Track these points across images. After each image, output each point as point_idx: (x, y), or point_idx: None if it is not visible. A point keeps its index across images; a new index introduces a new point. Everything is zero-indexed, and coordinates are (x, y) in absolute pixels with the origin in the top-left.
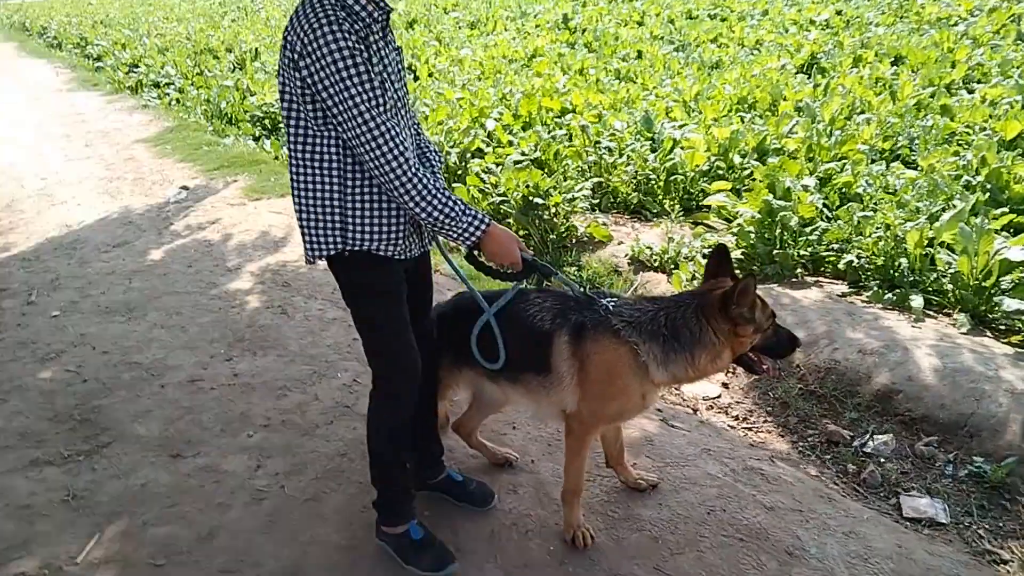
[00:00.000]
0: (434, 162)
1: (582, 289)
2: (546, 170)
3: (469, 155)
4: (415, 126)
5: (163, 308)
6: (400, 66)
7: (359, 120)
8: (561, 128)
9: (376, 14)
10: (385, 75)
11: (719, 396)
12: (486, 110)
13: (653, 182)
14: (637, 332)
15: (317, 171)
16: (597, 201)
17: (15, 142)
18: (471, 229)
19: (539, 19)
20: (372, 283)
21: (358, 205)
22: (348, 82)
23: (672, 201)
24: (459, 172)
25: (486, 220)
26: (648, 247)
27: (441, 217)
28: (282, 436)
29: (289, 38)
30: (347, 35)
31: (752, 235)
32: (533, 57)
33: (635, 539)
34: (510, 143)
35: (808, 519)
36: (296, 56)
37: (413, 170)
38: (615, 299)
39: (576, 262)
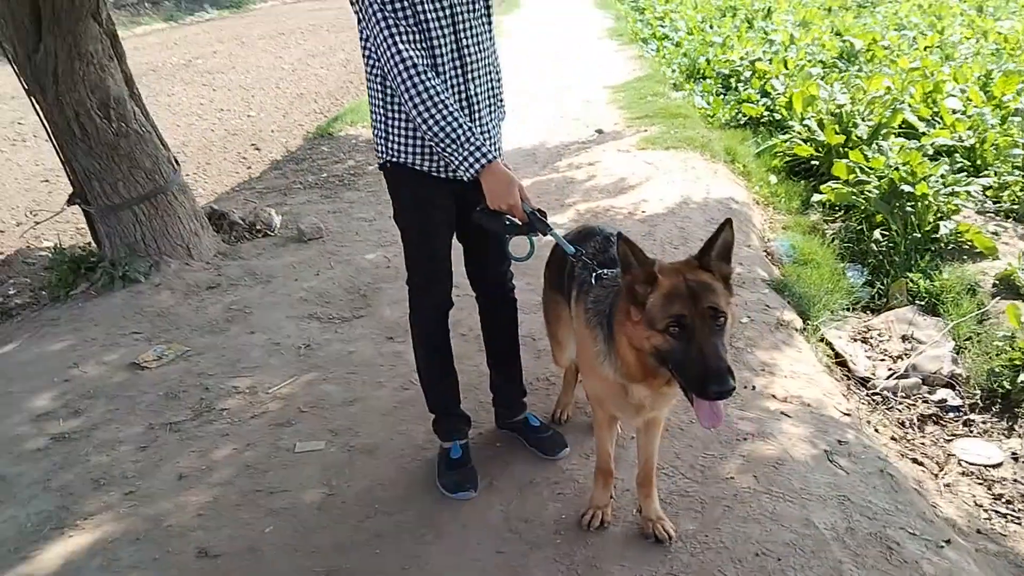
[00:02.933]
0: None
1: (578, 252)
2: (979, 161)
3: (886, 132)
4: (488, 38)
5: None
6: None
7: (371, 25)
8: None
9: None
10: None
11: (999, 464)
12: (942, 84)
13: None
14: (595, 312)
15: (373, 87)
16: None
17: (520, 81)
18: (471, 159)
19: None
20: (409, 195)
21: (399, 119)
22: None
23: None
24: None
25: (490, 155)
26: None
27: (442, 135)
28: (468, 345)
29: None
30: None
31: None
32: None
33: (647, 545)
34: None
35: None
36: None
37: (425, 81)
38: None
39: (928, 269)
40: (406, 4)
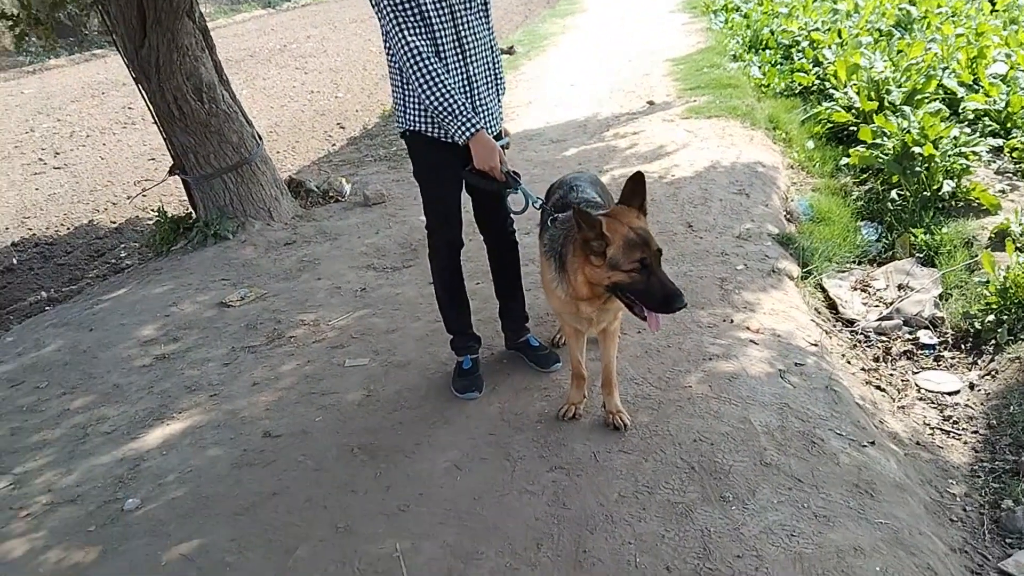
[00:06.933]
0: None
1: (540, 201)
2: (1009, 124)
3: (920, 98)
4: (486, 28)
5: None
6: None
7: (384, 20)
8: None
9: None
10: None
11: (956, 392)
12: (986, 50)
13: None
14: (550, 247)
15: (392, 70)
16: None
17: (586, 54)
18: (463, 128)
19: None
20: (423, 156)
21: (412, 95)
22: None
23: None
24: (885, 113)
25: (478, 126)
26: None
27: (440, 108)
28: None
29: None
30: None
31: None
32: None
33: (607, 431)
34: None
35: (795, 486)
36: None
37: (426, 64)
38: (569, 213)
39: (931, 225)
40: (412, 3)
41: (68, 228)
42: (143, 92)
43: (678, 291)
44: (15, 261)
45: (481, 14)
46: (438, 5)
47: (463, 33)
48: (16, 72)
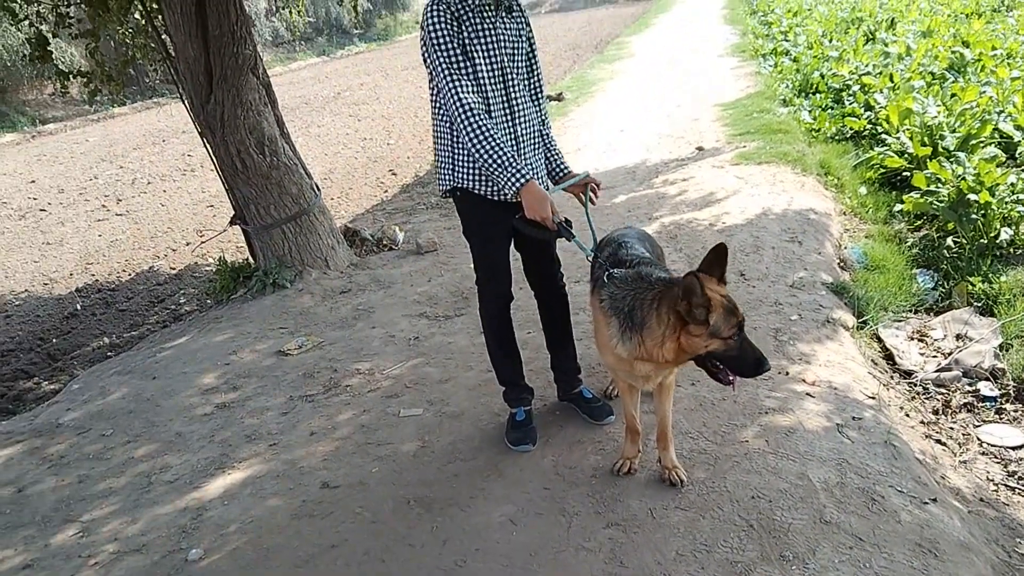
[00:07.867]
0: (546, 137)
1: (595, 256)
2: None
3: (975, 143)
4: (533, 94)
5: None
6: (511, 37)
7: (439, 78)
8: None
9: (477, 1)
10: (476, 45)
11: (1021, 446)
12: None
13: None
14: (611, 304)
15: (441, 128)
16: None
17: (634, 99)
18: (513, 180)
19: None
20: (472, 216)
21: (463, 153)
22: (433, 48)
23: None
24: (939, 159)
25: (528, 176)
26: None
27: (491, 161)
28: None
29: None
30: (441, 14)
31: None
32: None
33: (663, 487)
34: None
35: (856, 545)
36: (419, 29)
37: (478, 120)
38: (627, 270)
39: (989, 273)
40: (466, 64)
41: (129, 274)
42: (207, 145)
43: (763, 355)
44: (79, 307)
45: (535, 78)
46: (490, 66)
47: (513, 95)
48: (81, 120)
